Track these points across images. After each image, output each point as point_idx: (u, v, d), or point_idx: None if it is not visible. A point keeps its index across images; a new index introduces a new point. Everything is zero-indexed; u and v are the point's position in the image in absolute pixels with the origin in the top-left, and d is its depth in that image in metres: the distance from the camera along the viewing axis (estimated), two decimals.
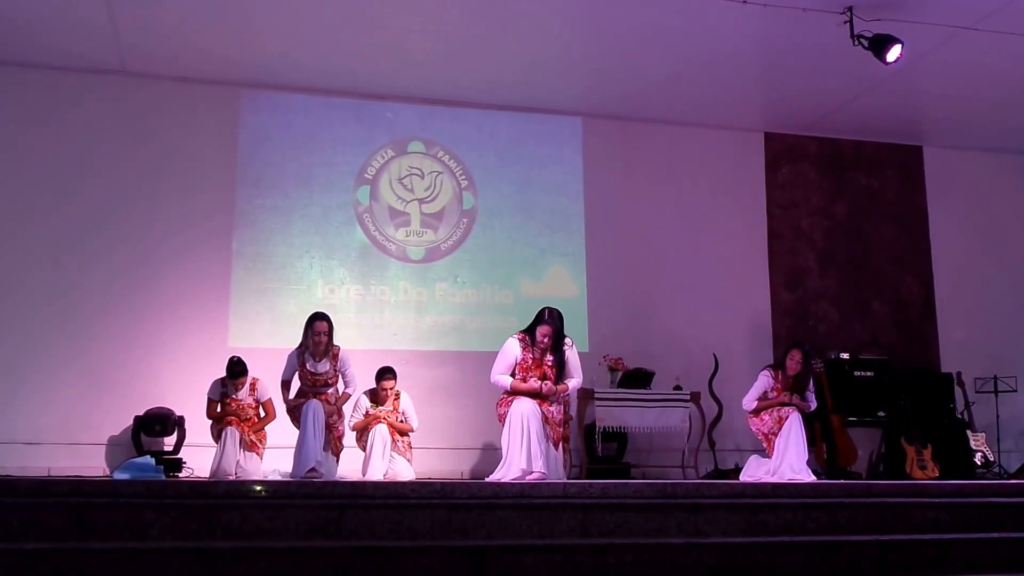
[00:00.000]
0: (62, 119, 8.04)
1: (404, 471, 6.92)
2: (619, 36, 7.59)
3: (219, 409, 7.07)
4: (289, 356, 6.88)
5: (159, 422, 7.46)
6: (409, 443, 7.16)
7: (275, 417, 7.08)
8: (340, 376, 6.91)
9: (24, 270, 7.76)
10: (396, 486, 5.08)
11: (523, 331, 6.33)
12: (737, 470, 7.79)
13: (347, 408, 7.01)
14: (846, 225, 9.63)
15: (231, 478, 6.65)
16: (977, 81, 8.29)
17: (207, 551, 3.65)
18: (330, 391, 6.88)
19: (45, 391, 7.55)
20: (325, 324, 6.82)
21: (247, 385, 7.09)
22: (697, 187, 9.28)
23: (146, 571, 3.47)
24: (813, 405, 7.07)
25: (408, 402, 7.22)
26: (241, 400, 7.07)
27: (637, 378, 8.02)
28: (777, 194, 9.53)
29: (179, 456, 7.32)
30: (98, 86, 8.15)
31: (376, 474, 6.76)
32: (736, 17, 7.13)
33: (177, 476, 7.01)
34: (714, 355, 8.39)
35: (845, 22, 7.10)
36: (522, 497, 4.71)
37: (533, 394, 6.11)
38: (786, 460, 6.68)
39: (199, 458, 7.21)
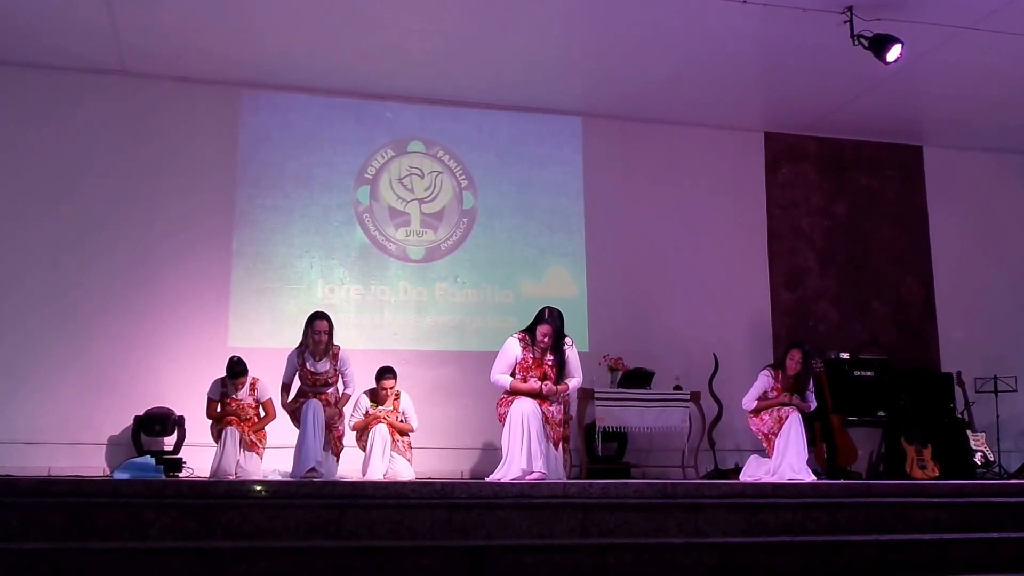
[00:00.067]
0: (62, 119, 8.05)
1: (404, 471, 6.92)
2: (619, 36, 7.59)
3: (219, 409, 7.07)
4: (289, 356, 6.88)
5: (159, 422, 7.46)
6: (409, 443, 7.16)
7: (275, 417, 7.08)
8: (340, 376, 6.91)
9: (24, 270, 7.76)
10: (396, 486, 5.07)
11: (523, 331, 6.33)
12: (737, 470, 7.79)
13: (347, 408, 7.01)
14: (846, 225, 9.63)
15: (231, 478, 6.65)
16: (977, 81, 8.30)
17: (207, 551, 3.65)
18: (330, 391, 6.88)
19: (45, 391, 7.55)
20: (325, 323, 6.82)
21: (247, 385, 7.09)
22: (697, 187, 9.28)
23: (146, 571, 3.47)
24: (813, 405, 7.07)
25: (408, 402, 7.22)
26: (241, 400, 7.08)
27: (637, 378, 8.02)
28: (777, 194, 9.53)
29: (179, 456, 7.32)
30: (98, 86, 8.15)
31: (376, 474, 6.76)
32: (736, 17, 7.14)
33: (177, 476, 7.02)
34: (714, 355, 8.39)
35: (845, 22, 7.10)
36: (522, 497, 4.71)
37: (533, 394, 6.11)
38: (786, 460, 6.68)
39: (199, 458, 7.21)
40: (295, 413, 6.73)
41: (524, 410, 5.96)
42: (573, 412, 7.30)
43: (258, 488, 4.67)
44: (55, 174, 7.95)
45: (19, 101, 7.99)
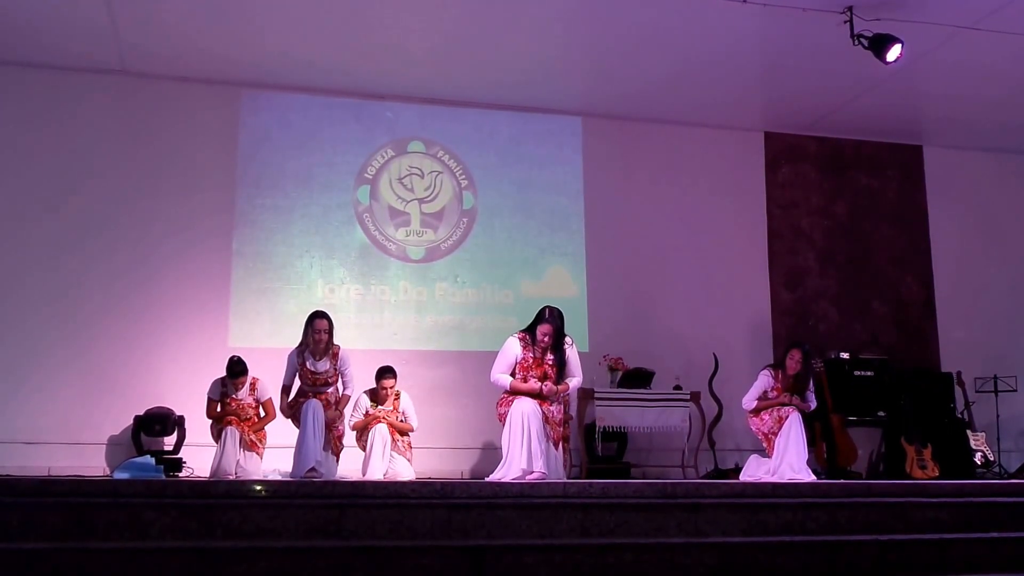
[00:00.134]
0: (62, 119, 8.05)
1: (404, 471, 6.92)
2: (619, 36, 7.59)
3: (219, 409, 7.07)
4: (289, 356, 6.87)
5: (159, 422, 7.46)
6: (409, 443, 7.16)
7: (275, 416, 7.08)
8: (339, 376, 6.91)
9: (24, 270, 7.76)
10: (396, 486, 5.08)
11: (523, 330, 6.33)
12: (737, 470, 7.79)
13: (347, 408, 7.01)
14: (846, 225, 9.63)
15: (231, 478, 6.65)
16: (977, 81, 8.30)
17: (207, 551, 3.65)
18: (330, 390, 6.88)
19: (45, 391, 7.55)
20: (325, 322, 6.82)
21: (247, 385, 7.09)
22: (697, 187, 9.28)
23: (146, 571, 3.47)
24: (813, 405, 7.07)
25: (408, 402, 7.22)
26: (241, 400, 7.08)
27: (637, 378, 8.02)
28: (777, 194, 9.53)
29: (179, 456, 7.32)
30: (98, 86, 8.15)
31: (376, 474, 6.76)
32: (736, 17, 7.14)
33: (177, 476, 7.02)
34: (714, 355, 8.39)
35: (845, 22, 7.10)
36: (522, 497, 4.71)
37: (533, 394, 6.11)
38: (786, 460, 6.68)
39: (199, 458, 7.21)
40: (295, 413, 6.73)
41: (524, 410, 5.96)
42: (573, 412, 7.30)
43: (258, 488, 4.67)
44: (55, 174, 7.95)
45: (19, 101, 7.99)
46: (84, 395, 7.63)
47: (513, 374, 6.20)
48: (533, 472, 5.83)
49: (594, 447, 7.85)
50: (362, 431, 7.04)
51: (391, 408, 7.13)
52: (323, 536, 4.06)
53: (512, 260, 8.82)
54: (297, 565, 3.57)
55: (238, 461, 6.86)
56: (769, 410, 6.88)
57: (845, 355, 8.91)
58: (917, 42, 7.31)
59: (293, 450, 6.62)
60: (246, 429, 6.99)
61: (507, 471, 5.93)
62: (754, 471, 6.98)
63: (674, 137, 9.30)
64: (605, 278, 8.88)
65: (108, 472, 7.28)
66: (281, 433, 7.04)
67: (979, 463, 8.42)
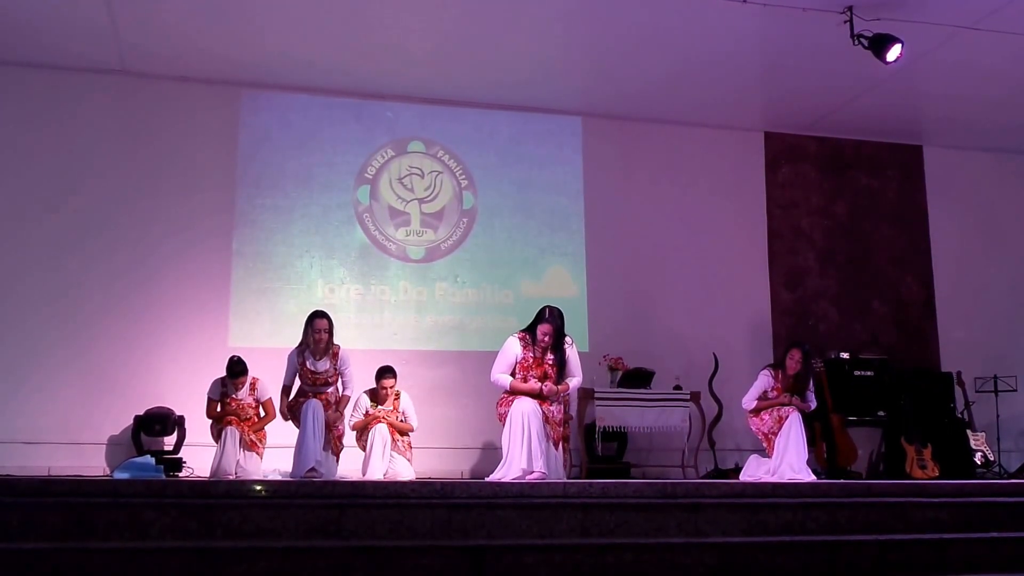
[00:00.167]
0: (62, 119, 8.04)
1: (404, 471, 6.92)
2: (619, 36, 7.59)
3: (219, 409, 7.07)
4: (289, 356, 6.87)
5: (159, 422, 7.46)
6: (409, 443, 7.16)
7: (275, 416, 7.07)
8: (339, 376, 6.91)
9: (24, 270, 7.76)
10: (396, 486, 5.08)
11: (523, 330, 6.33)
12: (737, 470, 7.79)
13: (347, 408, 7.00)
14: (846, 225, 9.63)
15: (231, 478, 6.65)
16: (977, 81, 8.29)
17: (207, 551, 3.65)
18: (330, 390, 6.88)
19: (45, 391, 7.55)
20: (325, 322, 6.82)
21: (247, 385, 7.09)
22: (697, 187, 9.28)
23: (146, 571, 3.47)
24: (813, 405, 7.07)
25: (408, 402, 7.22)
26: (241, 400, 7.08)
27: (637, 378, 8.02)
28: (777, 194, 9.53)
29: (179, 456, 7.32)
30: (98, 86, 8.15)
31: (376, 474, 6.76)
32: (736, 17, 7.13)
33: (177, 476, 7.01)
34: (714, 355, 8.39)
35: (845, 22, 7.10)
36: (522, 497, 4.71)
37: (533, 394, 6.11)
38: (786, 460, 6.68)
39: (199, 458, 7.21)
40: (294, 413, 6.73)
41: (524, 410, 5.96)
42: (573, 412, 7.29)
43: (258, 488, 4.67)
44: (55, 174, 7.95)
45: (19, 101, 7.99)
46: (84, 395, 7.63)
47: (513, 374, 6.20)
48: (533, 472, 5.83)
49: (594, 447, 7.85)
50: (362, 431, 7.04)
51: (391, 408, 7.13)
52: (323, 536, 4.06)
53: (512, 260, 8.82)
54: (297, 565, 3.57)
55: (238, 461, 6.86)
56: (769, 410, 6.89)
57: (845, 355, 8.91)
58: (917, 42, 7.31)
59: (293, 450, 6.62)
60: (246, 429, 6.99)
61: (507, 471, 5.93)
62: (754, 471, 6.98)
63: (674, 137, 9.30)
64: (605, 278, 8.88)
65: (108, 472, 7.28)
66: (281, 433, 7.04)
67: (979, 463, 8.42)
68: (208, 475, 6.85)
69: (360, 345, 7.85)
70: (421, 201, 8.76)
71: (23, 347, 7.61)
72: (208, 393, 7.11)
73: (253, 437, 7.02)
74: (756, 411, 6.95)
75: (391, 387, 7.11)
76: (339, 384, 6.92)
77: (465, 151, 8.90)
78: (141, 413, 7.47)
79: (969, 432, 8.60)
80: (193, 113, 8.31)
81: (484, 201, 8.87)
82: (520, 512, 4.32)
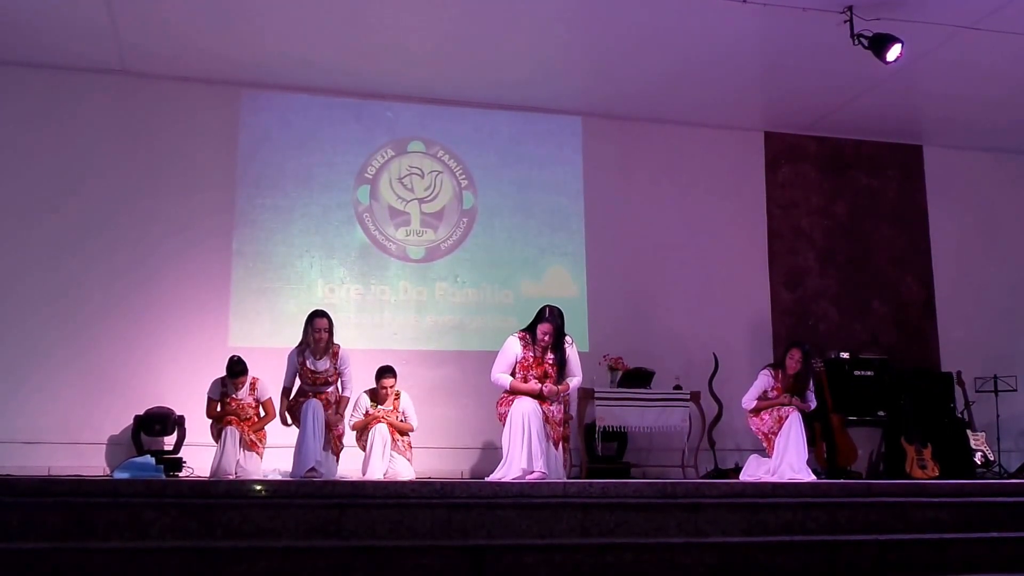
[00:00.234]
0: (62, 119, 8.04)
1: (404, 471, 6.92)
2: (619, 36, 7.59)
3: (219, 408, 7.07)
4: (289, 355, 6.87)
5: (159, 422, 7.46)
6: (409, 443, 7.16)
7: (275, 416, 7.06)
8: (339, 376, 6.91)
9: (24, 270, 7.76)
10: (396, 486, 5.08)
11: (523, 329, 6.34)
12: (737, 470, 7.79)
13: (347, 408, 7.00)
14: (846, 225, 9.63)
15: (231, 478, 6.65)
16: (977, 81, 8.29)
17: (207, 551, 3.65)
18: (330, 390, 6.88)
19: (45, 391, 7.55)
20: (325, 321, 6.82)
21: (247, 384, 7.09)
22: (697, 187, 9.28)
23: (146, 571, 3.47)
24: (813, 405, 7.07)
25: (408, 401, 7.22)
26: (241, 399, 7.08)
27: (637, 378, 8.02)
28: (777, 194, 9.53)
29: (179, 456, 7.32)
30: (98, 86, 8.15)
31: (376, 474, 6.76)
32: (736, 17, 7.14)
33: (177, 476, 7.01)
34: (714, 355, 8.39)
35: (845, 22, 7.10)
36: (522, 497, 4.71)
37: (533, 394, 6.11)
38: (786, 460, 6.68)
39: (199, 458, 7.21)
40: (294, 412, 6.72)
41: (524, 410, 5.96)
42: (573, 412, 7.30)
43: (258, 488, 4.67)
44: (55, 174, 7.95)
45: (19, 101, 7.99)
46: (84, 395, 7.63)
47: (513, 373, 6.20)
48: (533, 472, 5.84)
49: (594, 447, 7.85)
50: (362, 431, 7.04)
51: (391, 408, 7.13)
52: (323, 536, 4.06)
53: (512, 260, 8.82)
54: (297, 565, 3.57)
55: (238, 461, 6.86)
56: (769, 410, 6.89)
57: (845, 355, 8.91)
58: (917, 42, 7.31)
59: (293, 450, 6.62)
60: (246, 429, 6.99)
61: (507, 471, 5.93)
62: (754, 471, 6.98)
63: (674, 137, 9.30)
64: (605, 278, 8.88)
65: (108, 472, 7.28)
66: (281, 433, 7.04)
67: (979, 463, 8.42)
68: (208, 475, 6.85)
69: (360, 345, 7.85)
70: (421, 201, 8.76)
71: (23, 347, 7.61)
72: (208, 393, 7.11)
73: (253, 437, 7.02)
74: (756, 411, 6.96)
75: (391, 387, 7.11)
76: (339, 384, 6.92)
77: (465, 151, 8.90)
78: (141, 413, 7.47)
79: (969, 432, 8.60)
80: (193, 113, 8.31)
81: (484, 201, 8.87)
82: (520, 512, 4.32)
